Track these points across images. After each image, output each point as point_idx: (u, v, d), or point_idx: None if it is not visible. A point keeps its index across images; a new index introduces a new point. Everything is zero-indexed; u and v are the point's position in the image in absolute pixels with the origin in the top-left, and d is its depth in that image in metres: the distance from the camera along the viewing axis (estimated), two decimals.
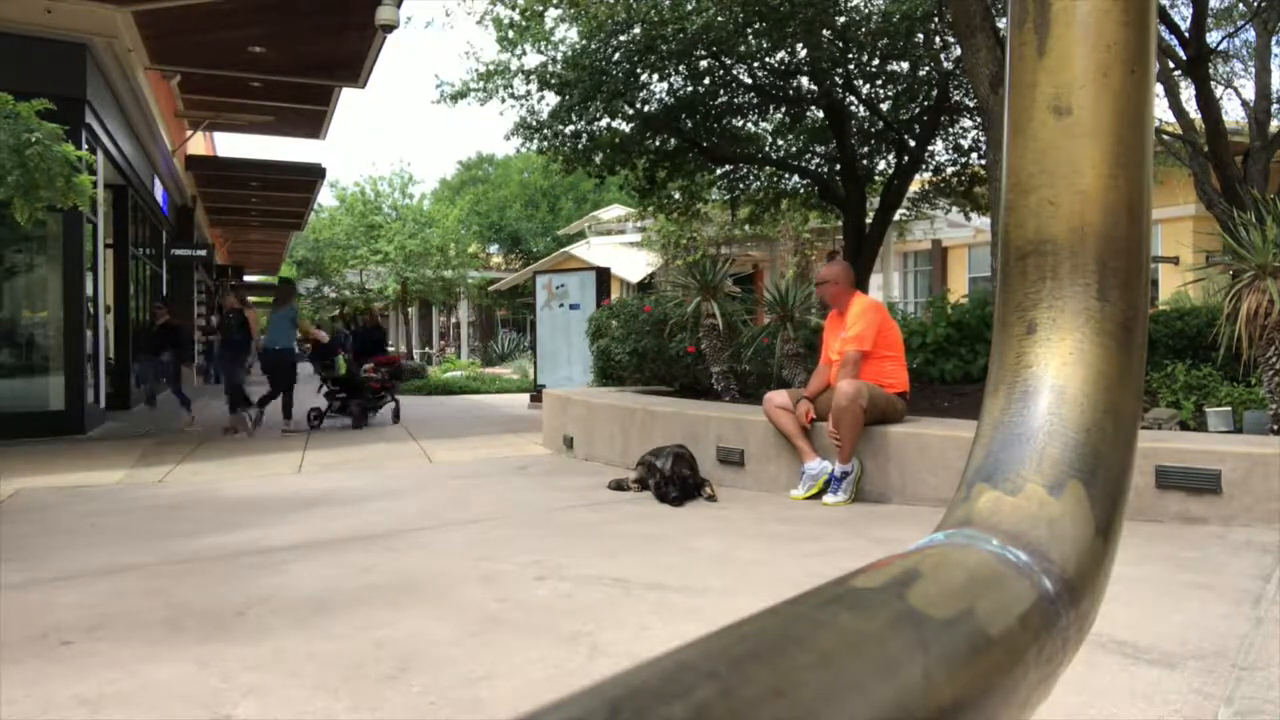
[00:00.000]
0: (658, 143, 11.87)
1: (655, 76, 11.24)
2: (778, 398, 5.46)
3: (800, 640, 0.37)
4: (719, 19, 9.66)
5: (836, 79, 11.06)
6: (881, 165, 12.94)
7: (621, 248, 23.62)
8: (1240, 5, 12.32)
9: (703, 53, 10.70)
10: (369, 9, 9.31)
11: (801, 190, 13.70)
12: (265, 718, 2.33)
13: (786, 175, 13.25)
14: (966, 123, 12.13)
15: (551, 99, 11.40)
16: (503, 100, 11.72)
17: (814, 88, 11.51)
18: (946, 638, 0.42)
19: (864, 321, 5.36)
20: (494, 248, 37.60)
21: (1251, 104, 11.41)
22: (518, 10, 11.11)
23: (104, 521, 4.94)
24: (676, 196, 13.47)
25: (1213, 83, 10.92)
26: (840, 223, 13.04)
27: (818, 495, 5.19)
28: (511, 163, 39.91)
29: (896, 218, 13.15)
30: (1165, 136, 11.44)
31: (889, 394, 5.32)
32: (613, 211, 26.63)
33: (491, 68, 11.62)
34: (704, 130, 11.80)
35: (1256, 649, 2.66)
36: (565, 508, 5.20)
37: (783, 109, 12.22)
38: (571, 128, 11.42)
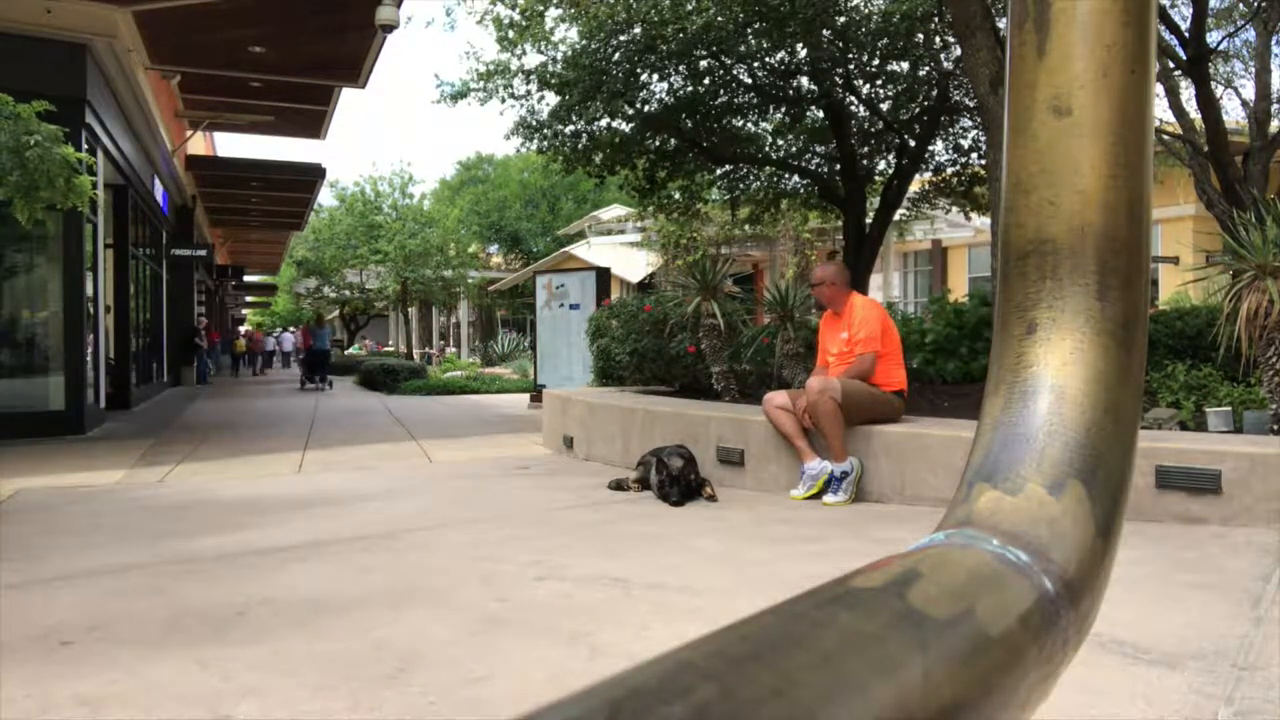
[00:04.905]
0: (658, 143, 11.87)
1: (655, 76, 11.24)
2: (777, 398, 5.45)
3: (800, 640, 0.37)
4: (719, 19, 9.66)
5: (836, 79, 11.06)
6: (881, 165, 12.94)
7: (621, 248, 23.62)
8: (1240, 5, 12.32)
9: (703, 53, 10.70)
10: (369, 9, 9.32)
11: (801, 190, 13.71)
12: (265, 718, 2.33)
13: (786, 175, 13.25)
14: (966, 123, 12.13)
15: (551, 99, 11.41)
16: (503, 100, 11.72)
17: (814, 88, 11.51)
18: (946, 638, 0.42)
19: (871, 323, 5.35)
20: (494, 248, 37.59)
21: (1251, 104, 11.41)
22: (518, 10, 11.11)
23: (104, 521, 4.94)
24: (676, 196, 13.47)
25: (1213, 83, 10.92)
26: (840, 223, 13.04)
27: (818, 495, 5.19)
28: (511, 163, 39.90)
29: (896, 218, 13.15)
30: (1165, 136, 11.44)
31: (884, 392, 5.32)
32: (613, 211, 26.64)
33: (491, 68, 11.63)
34: (704, 130, 11.79)
35: (1256, 649, 2.66)
36: (565, 508, 5.20)
37: (783, 109, 12.21)
38: (571, 128, 11.42)
